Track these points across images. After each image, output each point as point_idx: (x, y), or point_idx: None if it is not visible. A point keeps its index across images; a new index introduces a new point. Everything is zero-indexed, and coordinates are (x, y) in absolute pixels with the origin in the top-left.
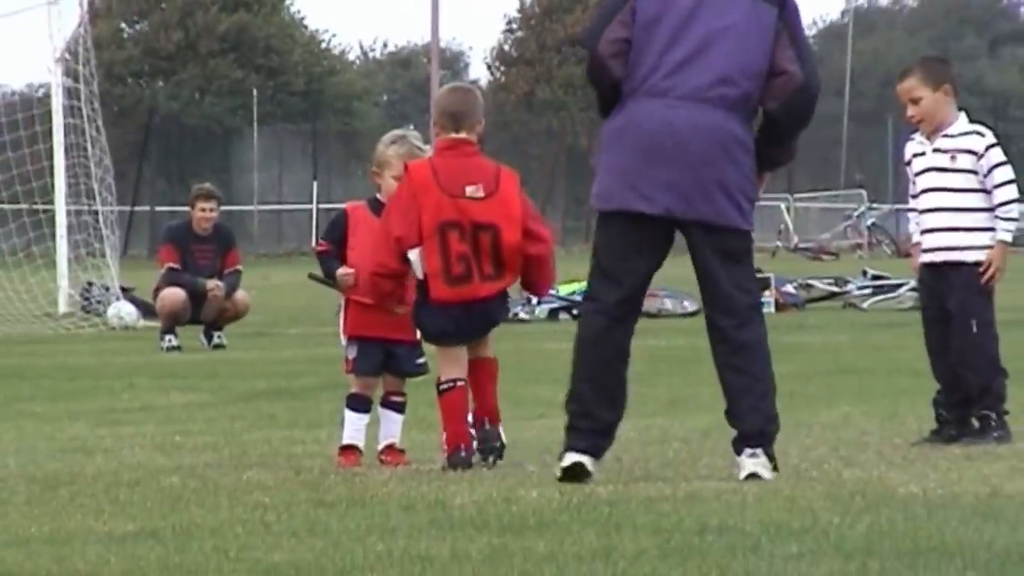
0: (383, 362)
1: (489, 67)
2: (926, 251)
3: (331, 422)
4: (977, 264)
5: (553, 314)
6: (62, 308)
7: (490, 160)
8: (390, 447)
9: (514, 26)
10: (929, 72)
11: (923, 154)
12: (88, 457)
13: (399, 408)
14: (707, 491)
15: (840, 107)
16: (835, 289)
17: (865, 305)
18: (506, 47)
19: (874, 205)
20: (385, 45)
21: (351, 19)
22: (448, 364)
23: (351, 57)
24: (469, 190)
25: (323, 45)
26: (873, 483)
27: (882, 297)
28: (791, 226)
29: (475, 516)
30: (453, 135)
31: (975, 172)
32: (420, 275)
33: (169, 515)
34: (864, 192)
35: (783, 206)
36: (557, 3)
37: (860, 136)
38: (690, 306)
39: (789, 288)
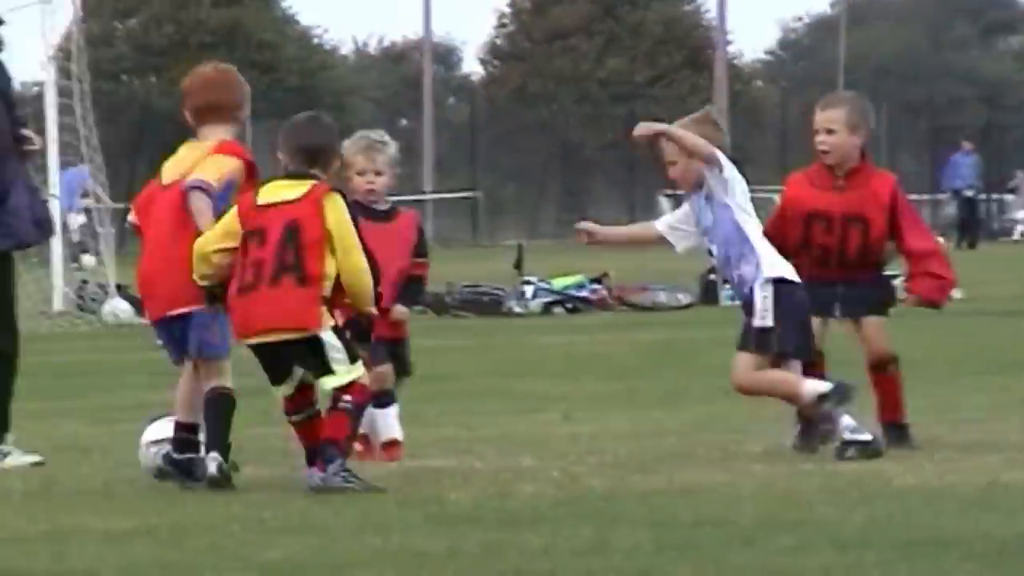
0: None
1: (482, 61)
2: None
3: None
4: None
5: (547, 308)
6: (57, 306)
7: None
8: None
9: (505, 21)
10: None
11: None
12: (84, 455)
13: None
14: (703, 485)
15: None
16: None
17: None
18: (498, 41)
19: None
20: (380, 41)
21: (344, 14)
22: None
23: (344, 52)
24: None
25: (316, 41)
26: (869, 475)
27: None
28: None
29: (470, 511)
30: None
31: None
32: None
33: (165, 513)
34: None
35: (777, 197)
36: None
37: None
38: (684, 299)
39: None
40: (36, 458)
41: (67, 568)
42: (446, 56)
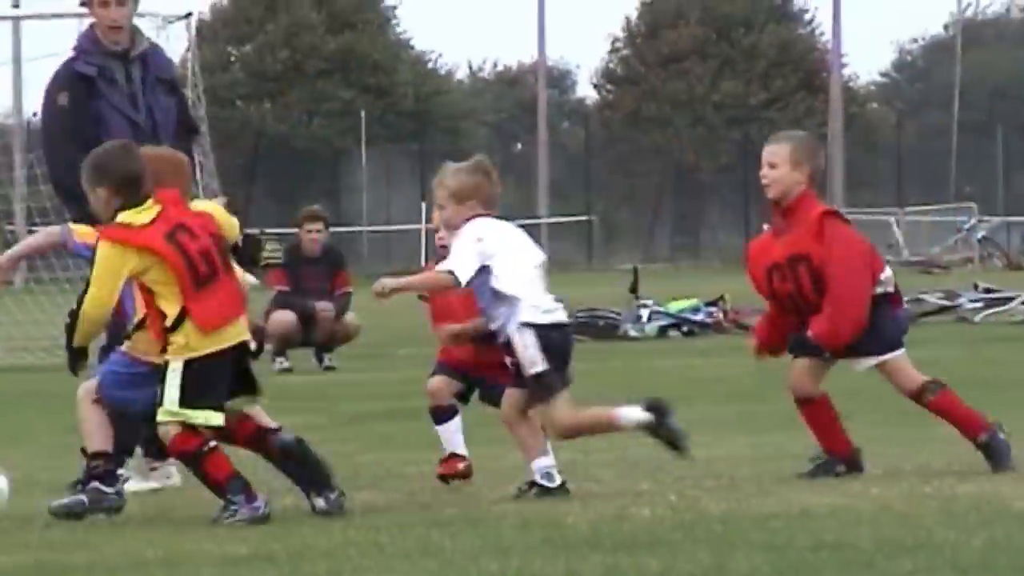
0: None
1: (596, 86)
2: None
3: None
4: None
5: (663, 331)
6: None
7: None
8: None
9: (619, 44)
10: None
11: None
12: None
13: None
14: (821, 508)
15: (949, 119)
16: (946, 303)
17: (977, 319)
18: (611, 65)
19: (984, 218)
20: (495, 65)
21: (458, 39)
22: None
23: (458, 76)
24: None
25: (430, 65)
26: (988, 498)
27: (994, 310)
28: (901, 240)
29: (588, 534)
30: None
31: None
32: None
33: (283, 537)
34: (974, 205)
35: (893, 220)
36: (661, 20)
37: (970, 148)
38: None
39: None
40: (155, 484)
41: None
42: (560, 80)
